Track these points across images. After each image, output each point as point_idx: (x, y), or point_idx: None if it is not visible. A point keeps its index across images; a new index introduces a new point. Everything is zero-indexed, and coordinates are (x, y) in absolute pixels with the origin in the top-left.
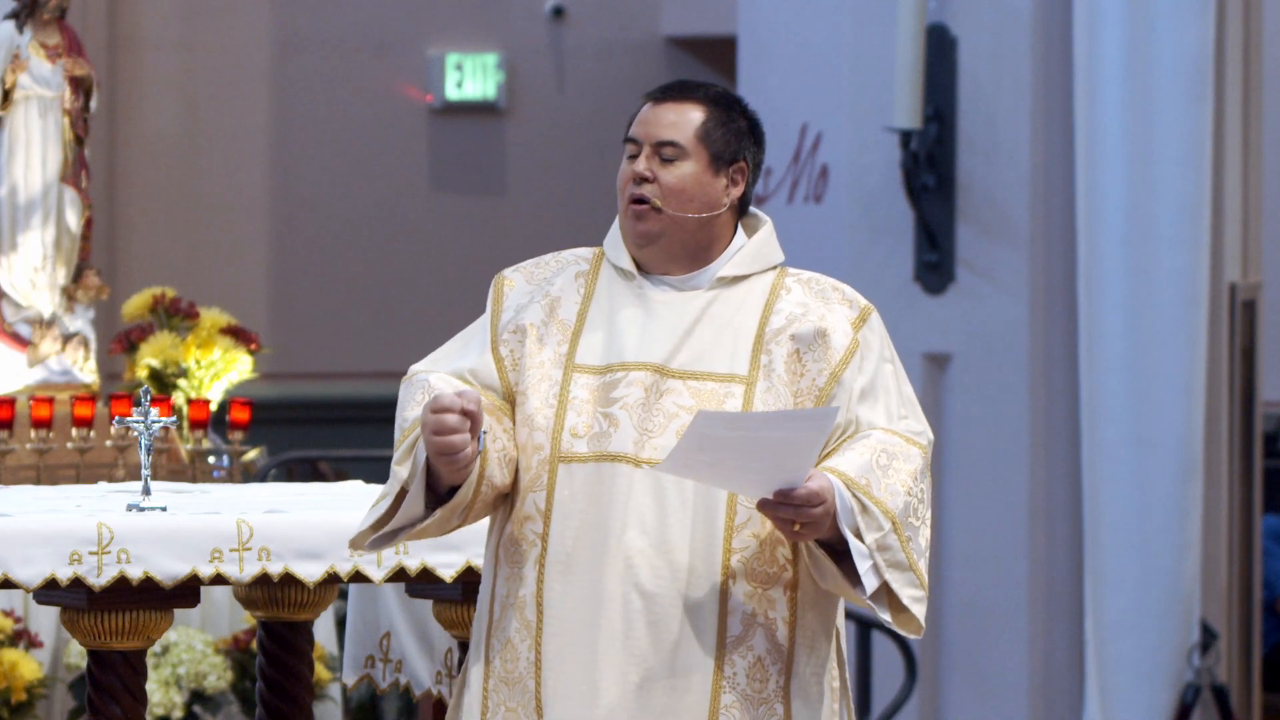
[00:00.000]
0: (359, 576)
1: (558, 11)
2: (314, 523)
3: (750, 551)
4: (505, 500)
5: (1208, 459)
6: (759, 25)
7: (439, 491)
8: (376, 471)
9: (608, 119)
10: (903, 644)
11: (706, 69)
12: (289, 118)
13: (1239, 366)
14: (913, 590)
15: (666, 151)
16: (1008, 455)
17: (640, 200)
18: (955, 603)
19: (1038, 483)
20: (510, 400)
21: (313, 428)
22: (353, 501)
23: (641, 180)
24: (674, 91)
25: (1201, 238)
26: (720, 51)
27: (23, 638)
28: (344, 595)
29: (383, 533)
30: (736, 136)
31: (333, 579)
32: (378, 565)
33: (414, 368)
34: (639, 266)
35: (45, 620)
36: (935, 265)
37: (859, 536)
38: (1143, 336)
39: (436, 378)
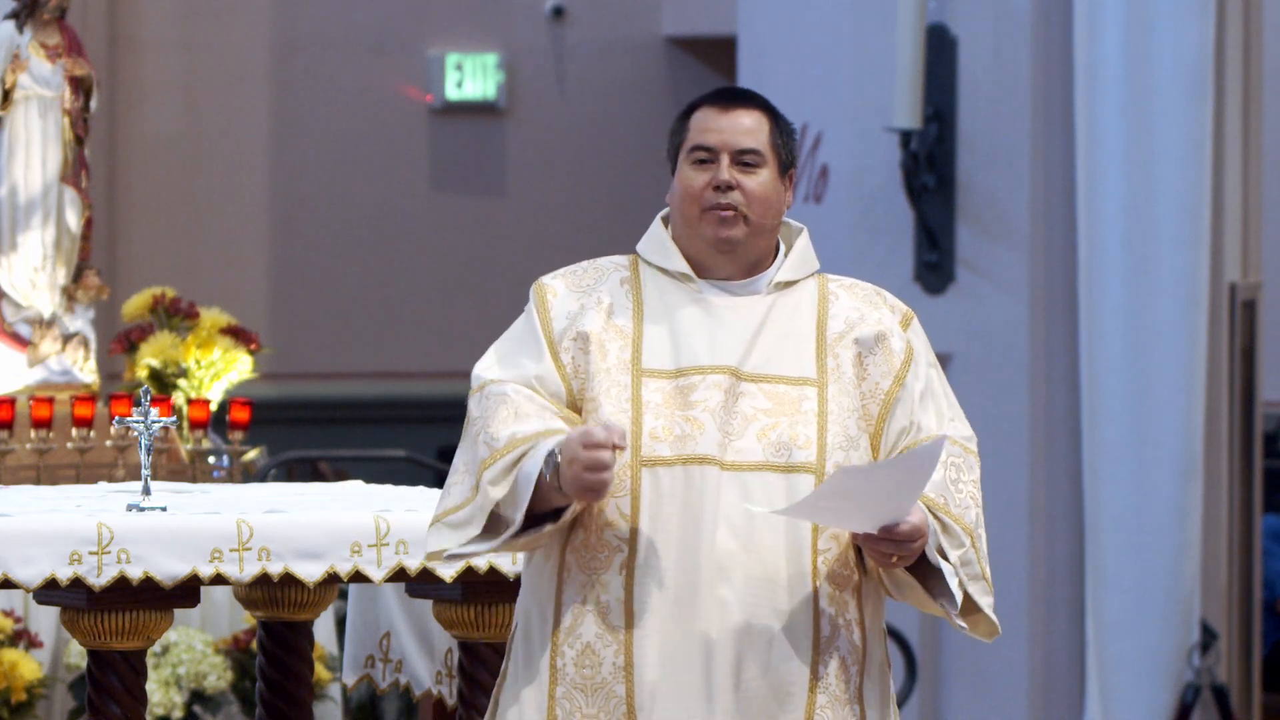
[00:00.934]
0: (359, 576)
1: (558, 11)
2: (314, 523)
3: (832, 554)
4: None
5: (1208, 459)
6: (759, 25)
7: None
8: (377, 471)
9: (608, 119)
10: (903, 643)
11: (706, 69)
12: (289, 118)
13: (1239, 366)
14: (987, 597)
15: (749, 159)
16: (1008, 455)
17: (727, 207)
18: None
19: (1038, 482)
20: (574, 408)
21: (313, 428)
22: (353, 501)
23: (727, 187)
24: (737, 98)
25: (1201, 237)
26: (720, 51)
27: (23, 638)
28: (344, 595)
29: (472, 549)
30: (791, 144)
31: (332, 579)
32: (377, 565)
33: (481, 374)
34: (695, 271)
35: (45, 620)
36: (935, 265)
37: (943, 556)
38: (1143, 336)
39: (515, 390)
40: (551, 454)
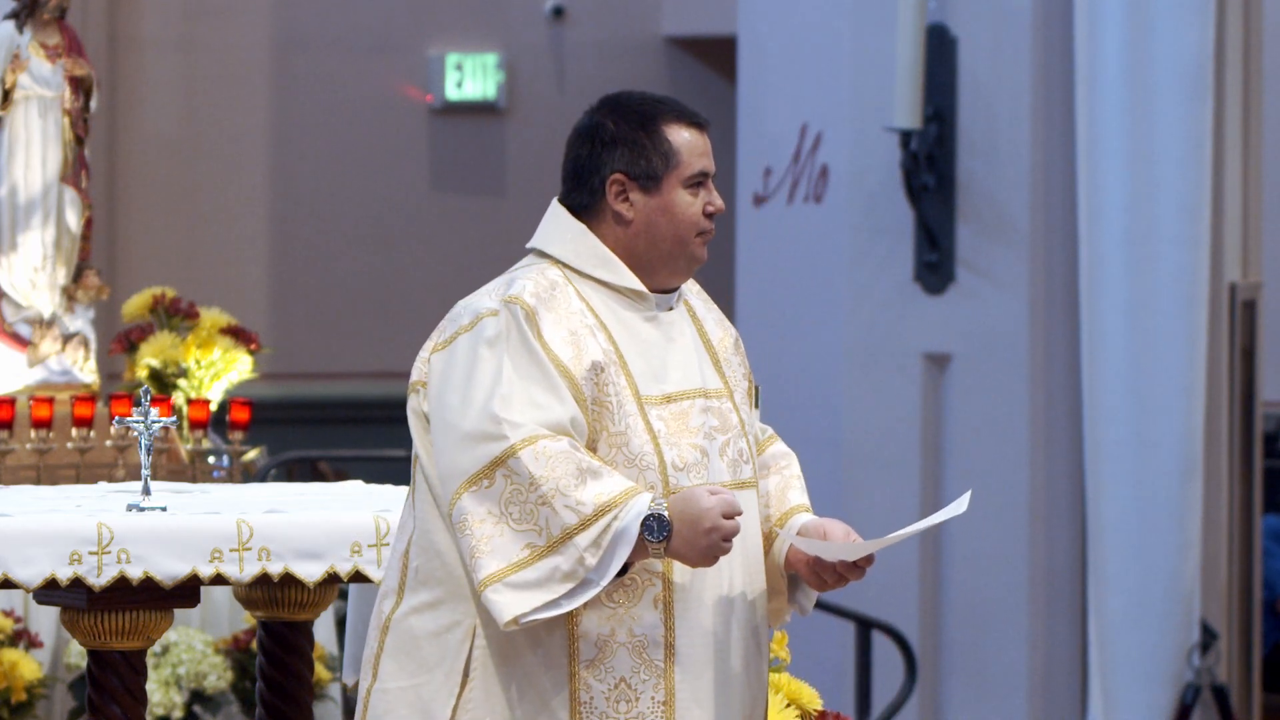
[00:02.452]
0: (359, 576)
1: (558, 11)
2: (314, 523)
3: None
4: None
5: (1208, 459)
6: (759, 25)
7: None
8: (377, 471)
9: None
10: (903, 643)
11: (706, 69)
12: (289, 118)
13: (1239, 366)
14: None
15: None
16: (1008, 455)
17: (708, 233)
18: (955, 602)
19: (1038, 482)
20: (591, 445)
21: (313, 428)
22: (353, 501)
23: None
24: (702, 120)
25: (1202, 237)
26: (720, 51)
27: (23, 638)
28: (344, 595)
29: (550, 611)
30: None
31: (332, 579)
32: (378, 565)
33: (510, 419)
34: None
35: (45, 620)
36: (935, 265)
37: None
38: (1143, 336)
39: (572, 446)
40: (657, 516)
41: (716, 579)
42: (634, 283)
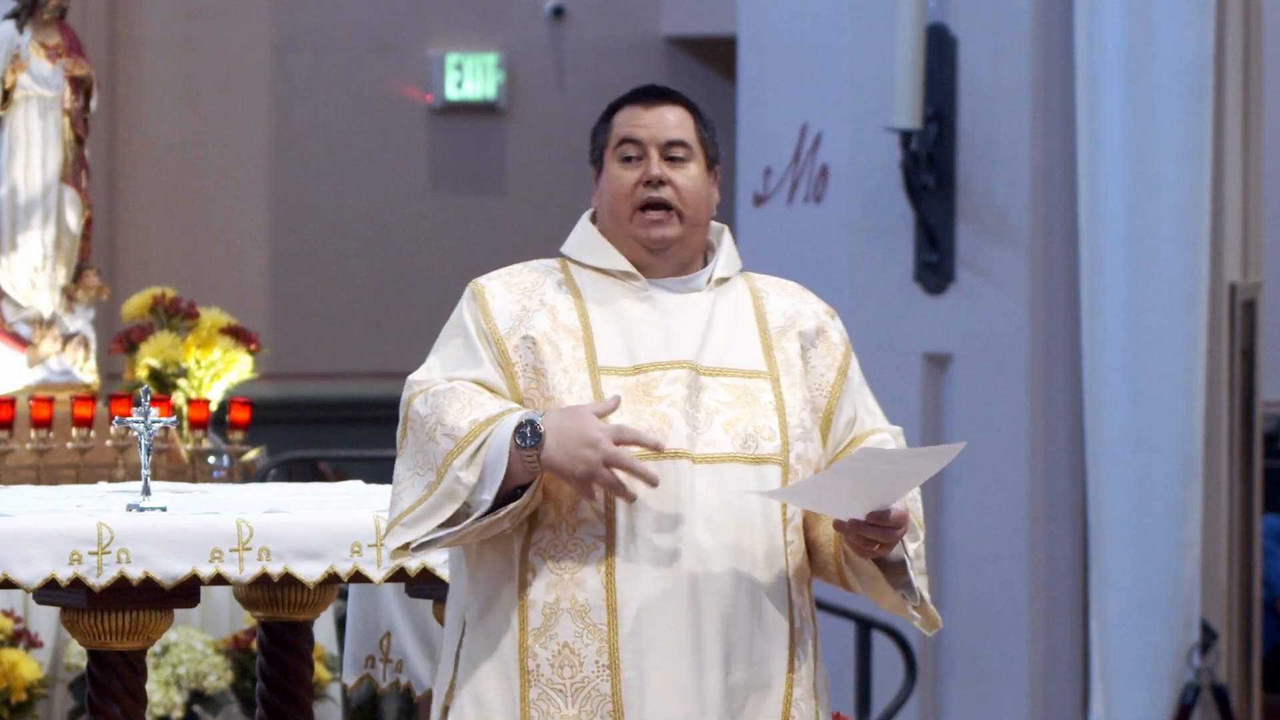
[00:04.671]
0: (359, 576)
1: (558, 11)
2: (314, 523)
3: (795, 546)
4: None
5: (1208, 459)
6: (759, 25)
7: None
8: (377, 471)
9: None
10: (903, 643)
11: (706, 69)
12: (289, 118)
13: (1239, 366)
14: (927, 592)
15: (677, 151)
16: (1008, 455)
17: (659, 205)
18: (955, 602)
19: (1038, 482)
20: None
21: (312, 428)
22: (353, 501)
23: (659, 182)
24: (660, 94)
25: (1202, 237)
26: (720, 51)
27: (23, 638)
28: (344, 595)
29: (434, 536)
30: (715, 139)
31: (332, 579)
32: (378, 565)
33: (416, 379)
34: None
35: (45, 620)
36: (935, 265)
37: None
38: (1143, 336)
39: (462, 385)
40: (530, 422)
41: (669, 541)
42: (621, 264)
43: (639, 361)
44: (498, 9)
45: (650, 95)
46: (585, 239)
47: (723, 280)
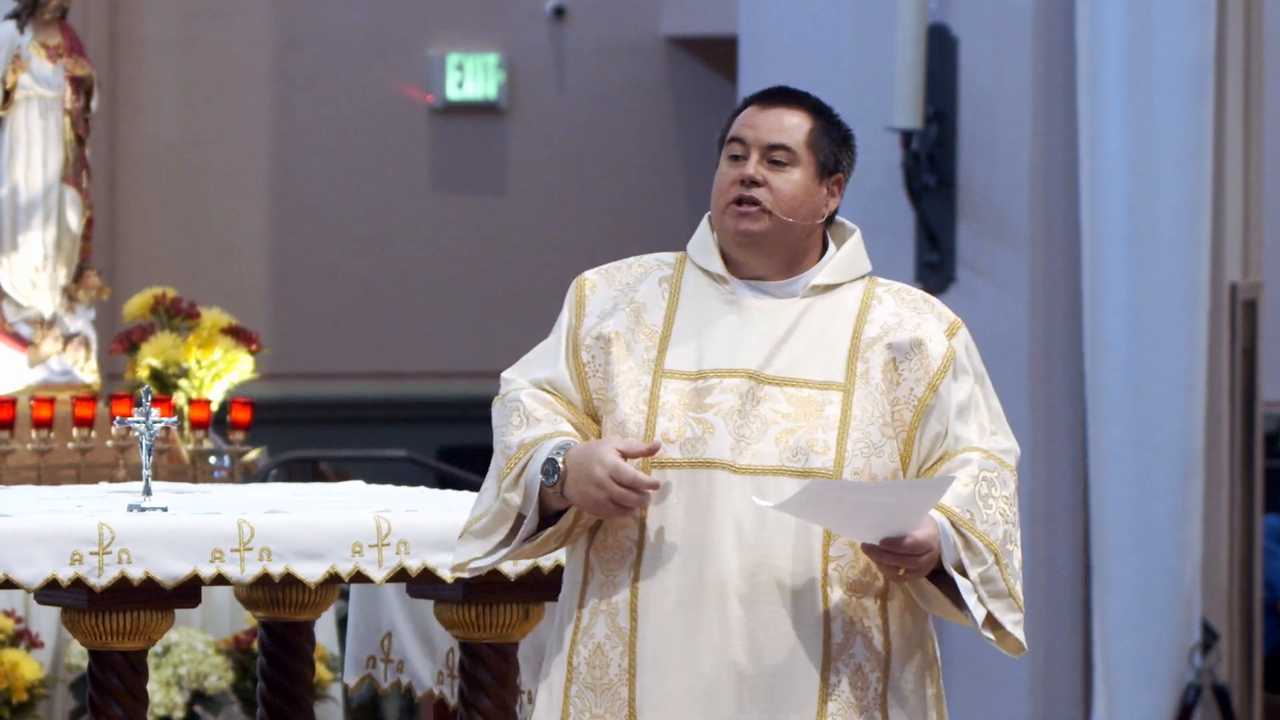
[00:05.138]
0: (360, 577)
1: (558, 11)
2: (315, 523)
3: (846, 560)
4: None
5: (1208, 459)
6: (760, 25)
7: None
8: (377, 471)
9: (608, 119)
10: None
11: (707, 69)
12: (289, 118)
13: (1240, 366)
14: (1012, 615)
15: (779, 155)
16: None
17: (749, 201)
18: None
19: (1038, 483)
20: (589, 409)
21: (313, 428)
22: (353, 501)
23: (752, 183)
24: (781, 97)
25: (1202, 237)
26: (721, 51)
27: (24, 638)
28: (345, 595)
29: (493, 557)
30: (837, 147)
31: (334, 579)
32: (379, 566)
33: (505, 377)
34: (730, 270)
35: (46, 620)
36: (936, 265)
37: (963, 572)
38: (1143, 336)
39: (528, 395)
40: (551, 460)
41: (694, 551)
42: (715, 265)
43: (702, 367)
44: (498, 9)
45: (770, 97)
46: (700, 237)
47: (829, 286)
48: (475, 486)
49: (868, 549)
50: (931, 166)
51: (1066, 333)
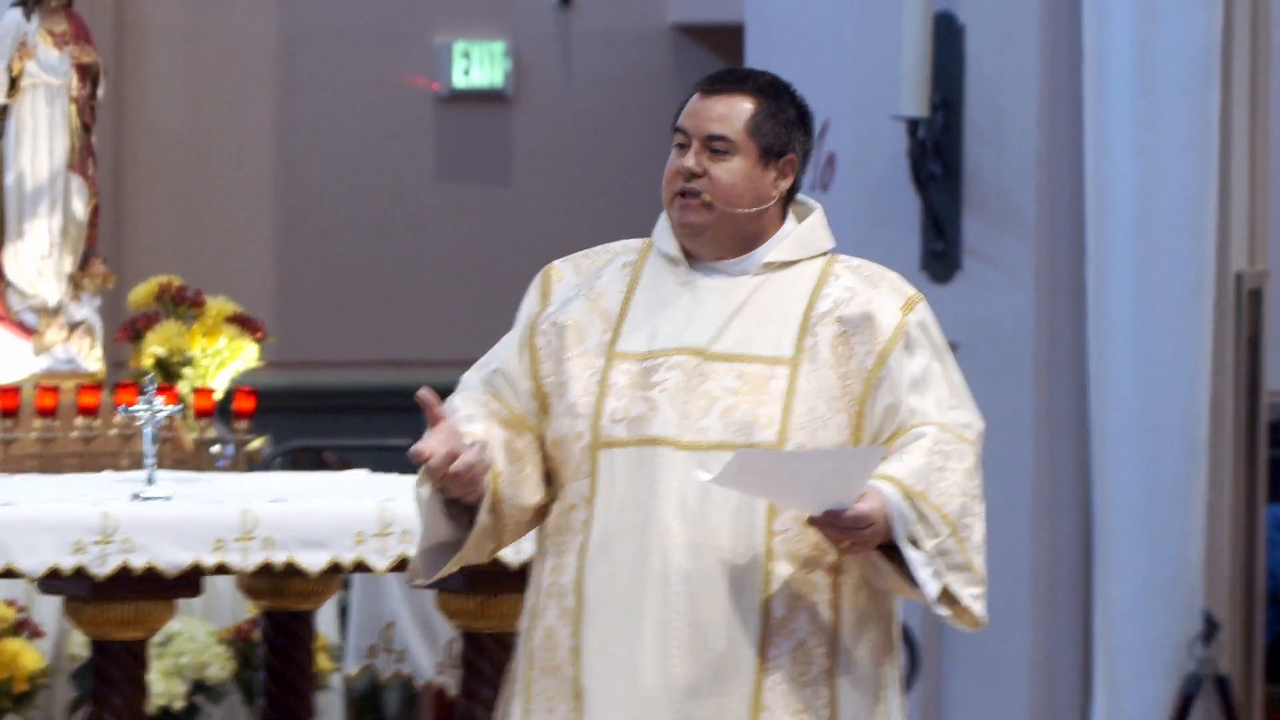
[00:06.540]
0: (362, 566)
1: None
2: (318, 512)
3: (792, 534)
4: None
5: (1212, 447)
6: (766, 13)
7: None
8: (381, 461)
9: (615, 107)
10: (905, 632)
11: (714, 57)
12: (295, 106)
13: (1244, 355)
14: (971, 589)
15: (718, 145)
16: (1013, 443)
17: (690, 194)
18: None
19: (1042, 471)
20: (539, 395)
21: (318, 417)
22: (357, 491)
23: (691, 175)
24: (723, 82)
25: (1208, 226)
26: (727, 39)
27: (25, 627)
28: (347, 585)
29: (430, 563)
30: (786, 128)
31: (336, 569)
32: (381, 555)
33: (463, 379)
34: (687, 254)
35: (48, 610)
36: (941, 254)
37: (916, 544)
38: (1149, 324)
39: (463, 398)
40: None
41: (637, 529)
42: (669, 248)
43: (652, 347)
44: None
45: (713, 83)
46: (661, 221)
47: (785, 263)
48: None
49: (812, 521)
50: (937, 155)
51: (1071, 321)
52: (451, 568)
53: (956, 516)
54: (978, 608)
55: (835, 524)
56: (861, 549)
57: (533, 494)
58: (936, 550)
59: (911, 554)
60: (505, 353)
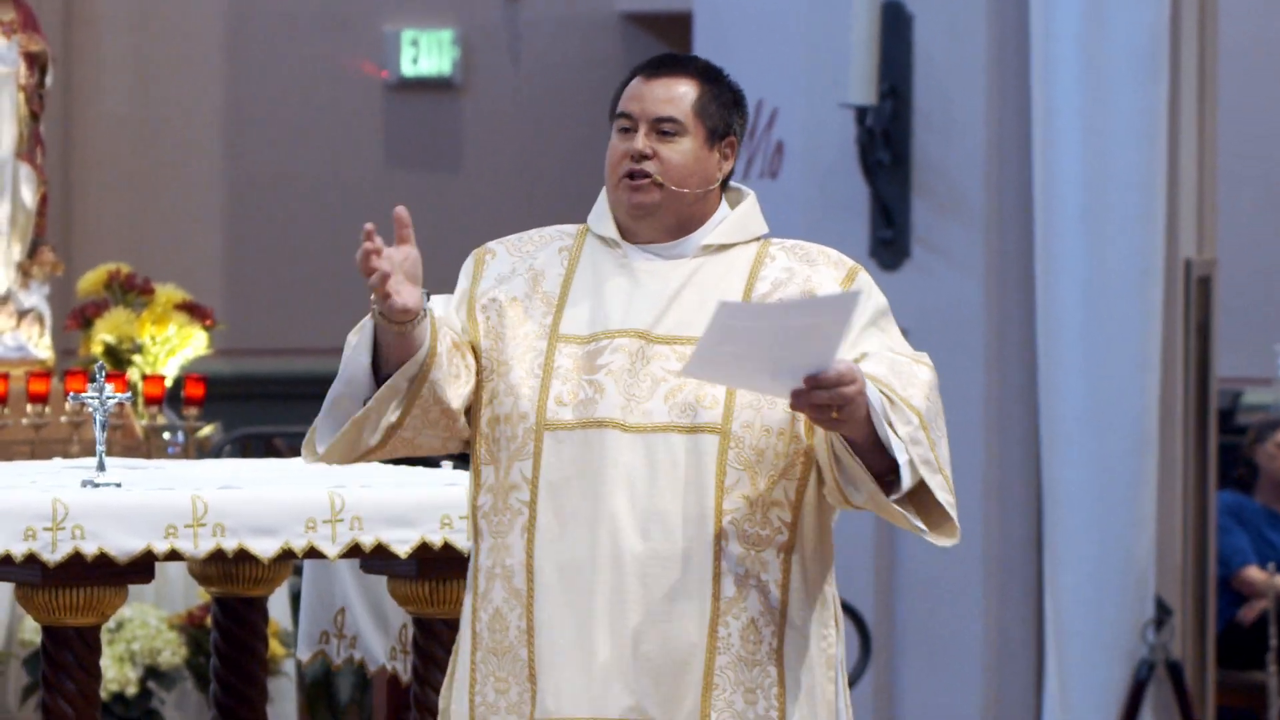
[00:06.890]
0: (313, 553)
1: None
2: (268, 498)
3: (741, 513)
4: (469, 464)
5: (1162, 435)
6: (715, 1)
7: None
8: None
9: (563, 95)
10: (857, 619)
11: (662, 44)
12: (244, 94)
13: (1194, 343)
14: (945, 494)
15: (666, 126)
16: (962, 431)
17: (639, 175)
18: (909, 578)
19: (992, 459)
20: (478, 359)
21: (267, 403)
22: (307, 477)
23: (641, 157)
24: (667, 66)
25: (1157, 214)
26: (676, 27)
27: None
28: (299, 571)
29: (336, 428)
30: (727, 109)
31: (287, 555)
32: (332, 541)
33: None
34: (624, 236)
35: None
36: (890, 242)
37: (892, 429)
38: (1098, 313)
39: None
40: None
41: (586, 510)
42: (609, 231)
43: (594, 330)
44: None
45: (655, 67)
46: (598, 206)
47: (721, 246)
48: (431, 464)
49: (796, 399)
50: (886, 143)
51: (1021, 308)
52: (349, 431)
53: (925, 414)
54: (954, 514)
55: (820, 385)
56: (848, 416)
57: (454, 398)
58: (910, 438)
59: (891, 435)
60: (443, 311)
